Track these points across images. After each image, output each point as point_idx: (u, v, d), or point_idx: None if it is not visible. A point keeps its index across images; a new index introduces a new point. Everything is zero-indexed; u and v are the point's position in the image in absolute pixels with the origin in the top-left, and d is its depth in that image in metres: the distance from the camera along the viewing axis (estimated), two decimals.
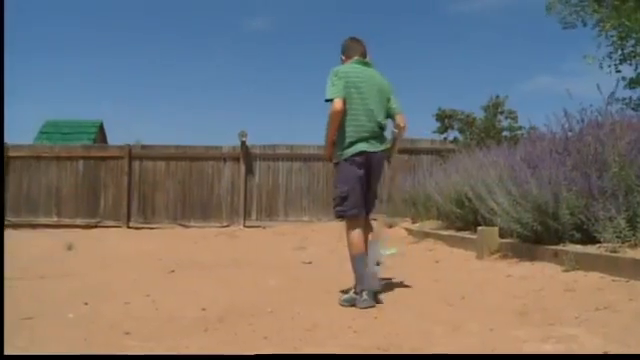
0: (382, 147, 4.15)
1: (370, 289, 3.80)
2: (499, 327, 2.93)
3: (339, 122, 3.99)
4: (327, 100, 3.99)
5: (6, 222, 12.19)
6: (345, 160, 4.05)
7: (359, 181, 4.02)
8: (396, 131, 4.28)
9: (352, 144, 4.01)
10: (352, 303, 3.82)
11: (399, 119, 4.25)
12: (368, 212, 4.23)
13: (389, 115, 4.23)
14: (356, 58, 4.19)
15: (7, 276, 5.55)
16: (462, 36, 36.25)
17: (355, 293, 3.88)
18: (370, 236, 4.17)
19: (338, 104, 3.93)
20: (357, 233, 4.03)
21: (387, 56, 37.14)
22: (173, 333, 3.39)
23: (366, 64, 4.20)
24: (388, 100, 4.20)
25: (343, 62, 4.25)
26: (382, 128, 4.17)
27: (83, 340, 3.28)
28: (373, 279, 3.85)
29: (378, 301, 3.82)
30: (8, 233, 11.37)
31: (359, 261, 3.94)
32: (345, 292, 4.03)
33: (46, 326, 3.64)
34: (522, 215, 5.00)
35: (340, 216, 4.16)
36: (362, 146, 4.01)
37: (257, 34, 37.93)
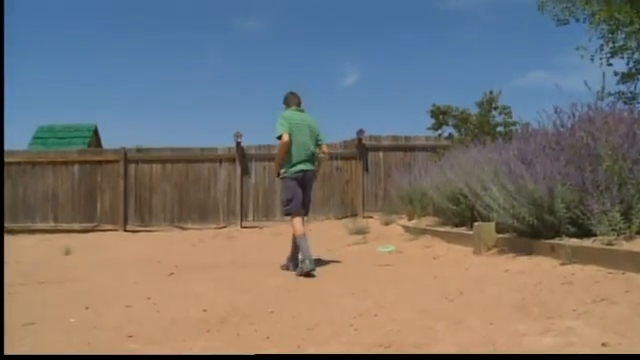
0: (312, 167, 5.99)
1: (311, 258, 5.47)
2: (499, 321, 2.97)
3: (287, 150, 5.78)
4: (278, 137, 5.77)
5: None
6: (288, 176, 5.85)
7: (297, 189, 5.84)
8: (322, 156, 6.17)
9: (293, 165, 5.82)
10: (287, 268, 5.83)
11: (324, 148, 6.18)
12: (306, 213, 6.00)
13: (317, 145, 6.07)
14: (293, 107, 6.05)
15: (8, 282, 5.59)
16: (455, 32, 36.24)
17: (288, 261, 5.86)
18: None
19: (286, 138, 5.73)
20: (299, 221, 5.79)
21: (381, 54, 37.14)
22: (176, 335, 3.42)
23: (301, 111, 6.10)
24: (317, 135, 6.07)
25: (285, 109, 6.06)
26: (313, 154, 6.00)
27: (86, 344, 3.30)
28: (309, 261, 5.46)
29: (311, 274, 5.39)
30: (6, 239, 11.38)
31: (302, 239, 5.67)
32: (286, 266, 5.90)
33: (49, 331, 3.66)
34: (518, 210, 5.04)
35: (288, 213, 5.91)
36: (300, 167, 5.83)
37: (251, 34, 37.86)
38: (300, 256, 5.59)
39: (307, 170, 5.89)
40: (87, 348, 3.21)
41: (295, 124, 5.83)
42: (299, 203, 5.83)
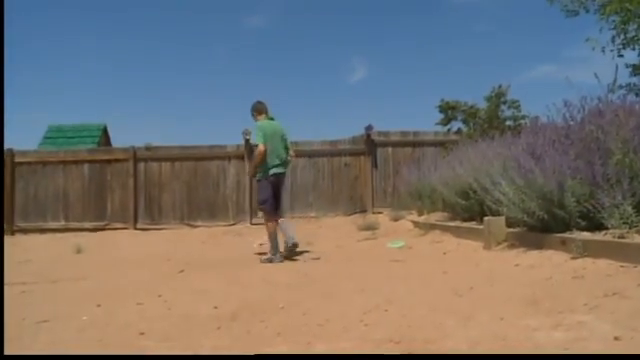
0: (284, 170, 6.95)
1: (278, 253, 6.59)
2: (509, 316, 2.96)
3: (263, 158, 6.66)
4: (256, 145, 6.70)
5: (15, 227, 12.29)
6: (265, 179, 6.75)
7: (272, 190, 6.77)
8: (290, 159, 7.08)
9: (269, 169, 6.73)
10: (270, 261, 6.51)
11: (291, 152, 7.11)
12: (279, 208, 6.95)
13: (286, 149, 6.97)
14: (264, 116, 6.93)
15: (21, 281, 5.67)
16: (463, 26, 36.09)
17: (272, 253, 6.61)
18: (281, 222, 6.83)
19: (262, 147, 6.63)
20: (272, 221, 6.77)
21: (389, 49, 37.05)
22: (187, 332, 3.43)
23: (273, 119, 7.00)
24: (286, 140, 6.95)
25: (255, 116, 6.95)
26: (285, 159, 6.91)
27: (98, 342, 3.32)
28: (291, 246, 6.72)
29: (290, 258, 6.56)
30: (18, 238, 11.49)
31: (274, 236, 6.68)
32: (264, 256, 6.73)
33: (62, 329, 3.68)
34: (528, 204, 5.02)
35: (264, 212, 6.89)
36: (274, 170, 6.77)
37: (257, 32, 37.88)
38: (271, 251, 6.69)
39: (280, 173, 6.87)
40: (99, 345, 3.23)
41: (270, 134, 6.73)
42: (273, 204, 6.79)
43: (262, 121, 6.86)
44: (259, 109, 6.97)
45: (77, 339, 3.40)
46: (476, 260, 5.13)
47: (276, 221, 6.80)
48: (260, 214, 12.89)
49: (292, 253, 6.76)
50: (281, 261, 6.48)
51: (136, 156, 12.85)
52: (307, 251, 7.25)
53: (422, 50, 36.51)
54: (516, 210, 5.23)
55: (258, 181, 6.87)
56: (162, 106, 37.59)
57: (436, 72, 36.74)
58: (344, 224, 10.36)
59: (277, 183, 6.86)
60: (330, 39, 37.19)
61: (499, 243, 5.45)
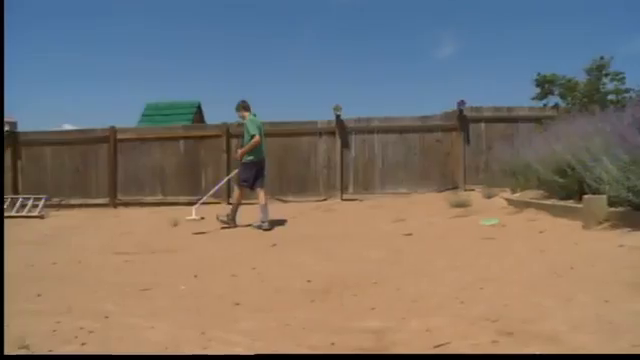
0: (265, 156, 8.59)
1: (267, 221, 8.04)
2: (613, 299, 2.82)
3: (256, 146, 8.20)
4: (252, 135, 8.16)
5: (117, 201, 12.97)
6: (253, 162, 8.26)
7: (254, 172, 8.29)
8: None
9: (257, 155, 8.30)
10: (226, 224, 8.38)
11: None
12: (262, 186, 8.39)
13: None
14: (249, 113, 8.50)
15: (125, 251, 5.98)
16: None
17: (229, 219, 8.42)
18: (263, 201, 8.26)
19: (258, 138, 8.18)
20: (240, 194, 8.47)
21: (482, 21, 35.80)
22: (281, 304, 3.50)
23: (255, 115, 8.53)
24: (265, 134, 8.51)
25: (242, 112, 8.49)
26: (265, 147, 8.57)
27: (196, 310, 3.45)
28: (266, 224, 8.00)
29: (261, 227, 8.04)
30: (120, 211, 12.13)
31: (236, 207, 8.46)
32: (223, 219, 8.46)
33: (162, 297, 3.86)
34: (634, 182, 4.75)
35: (242, 186, 8.38)
36: (261, 156, 8.40)
37: (344, 7, 37.57)
38: (229, 215, 8.41)
39: (265, 158, 8.58)
40: (196, 314, 3.36)
41: (259, 127, 8.31)
42: (251, 182, 8.29)
43: (251, 117, 8.43)
44: (246, 107, 8.54)
45: (175, 307, 3.55)
46: (575, 240, 4.91)
47: (260, 199, 8.28)
48: (351, 189, 13.16)
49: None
50: (271, 228, 7.98)
51: (229, 132, 13.11)
52: (398, 228, 7.21)
53: (515, 21, 35.02)
54: (619, 188, 4.96)
55: (244, 164, 8.31)
56: (253, 83, 38.23)
57: (531, 45, 35.16)
58: (435, 201, 10.19)
59: (262, 166, 8.45)
60: (418, 14, 36.39)
61: (600, 223, 5.20)
